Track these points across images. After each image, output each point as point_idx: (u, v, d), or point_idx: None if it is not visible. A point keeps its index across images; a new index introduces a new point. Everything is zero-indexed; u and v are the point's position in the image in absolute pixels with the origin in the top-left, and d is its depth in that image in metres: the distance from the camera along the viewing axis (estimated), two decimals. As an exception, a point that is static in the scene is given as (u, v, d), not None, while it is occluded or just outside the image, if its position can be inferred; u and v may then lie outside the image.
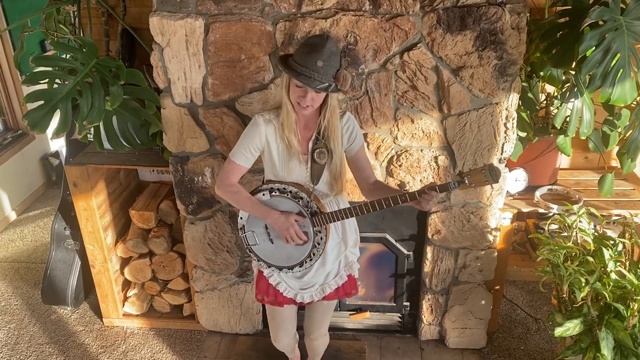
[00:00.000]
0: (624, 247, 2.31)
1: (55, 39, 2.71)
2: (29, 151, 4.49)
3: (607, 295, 2.10)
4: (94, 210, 2.82)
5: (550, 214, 2.84)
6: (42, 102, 2.23)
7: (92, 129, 2.48)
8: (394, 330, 3.01)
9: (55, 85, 2.38)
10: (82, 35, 2.77)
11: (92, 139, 2.60)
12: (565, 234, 2.43)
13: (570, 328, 2.16)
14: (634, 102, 2.34)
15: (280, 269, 2.10)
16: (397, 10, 2.18)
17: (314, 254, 2.03)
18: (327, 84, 1.79)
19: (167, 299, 3.10)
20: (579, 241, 2.37)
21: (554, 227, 2.94)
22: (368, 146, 2.43)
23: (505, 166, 2.49)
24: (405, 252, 2.75)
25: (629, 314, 2.09)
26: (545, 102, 2.68)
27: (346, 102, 2.35)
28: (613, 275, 2.18)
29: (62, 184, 3.13)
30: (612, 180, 2.60)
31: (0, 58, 4.18)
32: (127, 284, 3.18)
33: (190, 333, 3.10)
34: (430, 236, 2.64)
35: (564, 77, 2.45)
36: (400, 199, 1.85)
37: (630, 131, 2.41)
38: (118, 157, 2.76)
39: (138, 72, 2.35)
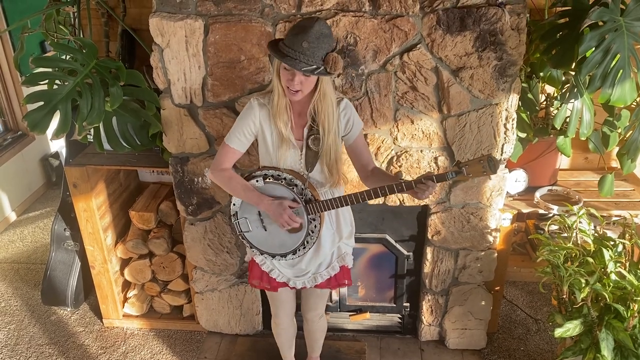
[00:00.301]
0: (624, 247, 2.31)
1: (55, 40, 2.71)
2: (29, 152, 4.50)
3: (607, 296, 2.09)
4: (94, 211, 2.82)
5: (550, 215, 2.84)
6: (42, 103, 2.23)
7: (92, 130, 2.48)
8: (394, 331, 3.01)
9: (55, 86, 2.38)
10: (82, 36, 2.77)
11: (92, 140, 2.60)
12: (565, 234, 2.43)
13: (571, 329, 2.16)
14: (634, 103, 2.34)
15: (273, 256, 2.10)
16: (396, 11, 2.18)
17: (307, 242, 2.02)
18: (314, 67, 1.75)
19: (167, 299, 3.10)
20: (579, 242, 2.37)
21: (554, 227, 2.94)
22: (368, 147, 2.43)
23: (505, 167, 2.49)
24: (405, 252, 2.75)
25: (629, 315, 2.08)
26: (545, 102, 2.68)
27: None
28: (613, 276, 2.17)
29: (62, 184, 3.13)
30: (612, 181, 2.59)
31: (0, 59, 4.18)
32: (127, 285, 3.18)
33: (190, 334, 3.09)
34: (430, 237, 2.64)
35: (563, 78, 2.45)
36: (396, 187, 1.84)
37: (630, 132, 2.40)
38: (118, 158, 2.76)
39: (138, 73, 2.35)
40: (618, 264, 2.20)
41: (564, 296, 2.29)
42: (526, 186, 2.77)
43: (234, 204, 2.08)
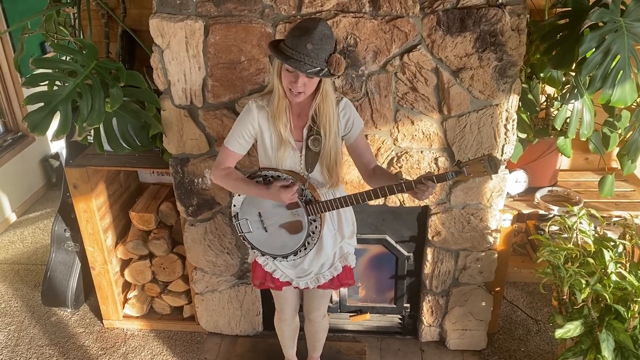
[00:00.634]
0: (625, 248, 2.31)
1: (55, 41, 2.71)
2: (29, 153, 4.49)
3: (607, 297, 2.09)
4: (94, 212, 2.82)
5: (551, 216, 2.84)
6: (42, 104, 2.23)
7: (92, 131, 2.48)
8: (394, 331, 3.01)
9: (55, 87, 2.39)
10: (82, 37, 2.77)
11: (92, 141, 2.60)
12: (566, 235, 2.42)
13: (571, 330, 2.16)
14: (634, 104, 2.34)
15: (274, 257, 2.10)
16: (397, 12, 2.18)
17: (308, 243, 2.02)
18: (318, 68, 1.75)
19: (167, 300, 3.10)
20: (579, 242, 2.37)
21: (554, 228, 2.94)
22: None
23: (506, 167, 2.49)
24: (406, 253, 2.74)
25: (629, 316, 2.08)
26: (545, 103, 2.68)
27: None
28: (613, 277, 2.17)
29: (62, 185, 3.13)
30: (613, 182, 2.59)
31: (0, 60, 4.18)
32: (127, 286, 3.18)
33: (191, 335, 3.09)
34: (430, 238, 2.64)
35: (564, 79, 2.45)
36: (396, 188, 1.84)
37: (631, 132, 2.40)
38: (118, 159, 2.76)
39: (138, 74, 2.35)
40: (618, 265, 2.20)
41: (565, 297, 2.29)
42: (526, 187, 2.77)
43: (234, 205, 2.08)
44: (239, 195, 2.05)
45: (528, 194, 2.77)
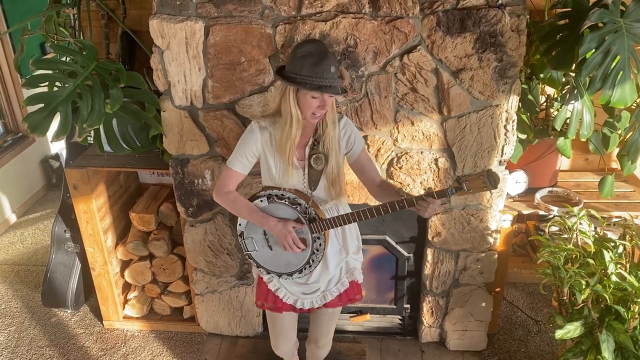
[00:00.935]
0: (625, 249, 2.31)
1: (55, 42, 2.71)
2: (29, 154, 4.50)
3: (607, 298, 2.09)
4: (94, 212, 2.82)
5: (551, 216, 2.84)
6: (42, 105, 2.23)
7: (92, 132, 2.48)
8: (394, 332, 3.01)
9: (56, 88, 2.39)
10: (82, 38, 2.78)
11: (92, 142, 2.60)
12: (566, 236, 2.42)
13: (571, 330, 2.16)
14: (634, 104, 2.34)
15: (279, 275, 2.10)
16: (396, 12, 2.18)
17: (312, 260, 2.02)
18: (342, 86, 1.82)
19: (168, 301, 3.10)
20: (579, 243, 2.36)
21: (554, 229, 2.94)
22: (368, 148, 2.43)
23: (506, 168, 2.49)
24: (406, 254, 2.75)
25: (629, 316, 2.08)
26: (545, 104, 2.68)
27: (346, 104, 2.35)
28: (613, 278, 2.17)
29: (62, 186, 3.14)
30: (613, 182, 2.59)
31: (1, 61, 4.19)
32: (127, 287, 3.18)
33: (191, 335, 3.09)
34: (430, 238, 2.64)
35: (564, 79, 2.45)
36: (398, 205, 1.85)
37: (631, 133, 2.40)
38: (118, 160, 2.76)
39: (138, 75, 2.35)
40: (618, 266, 2.20)
41: (565, 297, 2.29)
42: (526, 187, 2.77)
43: (240, 224, 2.08)
44: None
45: (528, 194, 2.77)
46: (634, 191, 2.88)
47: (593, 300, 2.22)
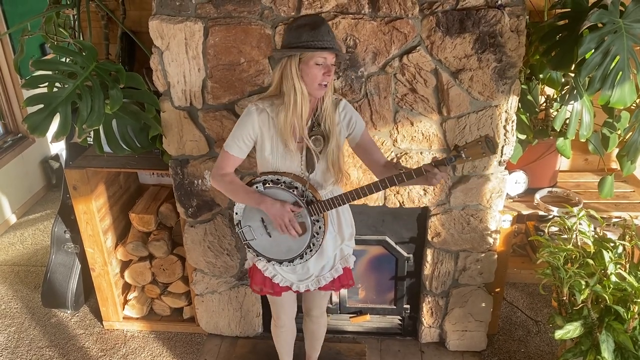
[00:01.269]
0: (624, 249, 2.31)
1: (55, 43, 2.72)
2: (29, 154, 4.50)
3: (607, 298, 2.09)
4: (94, 213, 2.82)
5: (550, 217, 2.84)
6: (42, 105, 2.23)
7: (91, 133, 2.48)
8: (394, 332, 3.01)
9: (55, 89, 2.39)
10: (81, 38, 2.78)
11: (92, 142, 2.60)
12: (565, 236, 2.42)
13: (571, 330, 2.16)
14: (634, 104, 2.34)
15: (280, 262, 2.09)
16: (396, 13, 2.18)
17: (313, 244, 2.01)
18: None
19: (167, 302, 3.10)
20: (579, 243, 2.37)
21: (554, 229, 2.94)
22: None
23: (505, 169, 2.49)
24: (405, 254, 2.75)
25: (629, 317, 2.08)
26: (544, 104, 2.68)
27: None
28: (613, 278, 2.17)
29: (62, 187, 3.14)
30: (612, 183, 2.59)
31: (1, 61, 4.19)
32: (127, 287, 3.18)
33: (191, 336, 3.09)
34: (430, 239, 2.64)
35: (563, 80, 2.46)
36: (396, 179, 1.83)
37: (630, 133, 2.40)
38: (118, 160, 2.76)
39: (138, 76, 2.35)
40: (618, 266, 2.20)
41: (564, 298, 2.29)
42: (526, 188, 2.77)
43: (236, 213, 2.06)
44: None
45: (528, 195, 2.77)
46: (633, 191, 2.88)
47: (593, 300, 2.22)
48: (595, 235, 2.43)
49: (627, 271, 2.20)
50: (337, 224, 2.12)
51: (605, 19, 2.08)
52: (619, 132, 2.54)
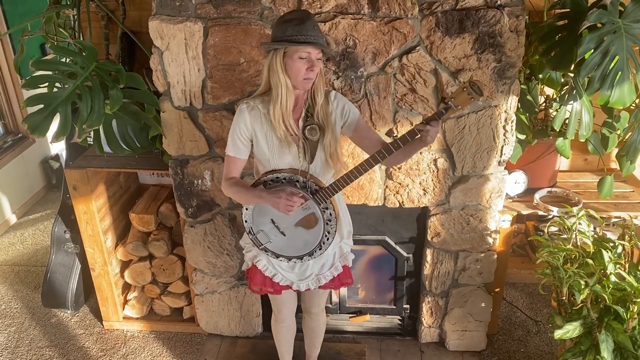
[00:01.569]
0: (624, 249, 2.31)
1: (55, 43, 2.72)
2: (29, 154, 4.50)
3: (606, 298, 2.09)
4: (94, 213, 2.83)
5: (550, 217, 2.84)
6: (42, 105, 2.24)
7: (91, 133, 2.48)
8: (394, 332, 3.01)
9: (55, 89, 2.40)
10: (81, 39, 2.78)
11: (92, 143, 2.60)
12: (565, 236, 2.43)
13: (570, 330, 2.16)
14: (633, 104, 2.34)
15: (300, 258, 2.08)
16: (395, 13, 2.18)
17: (328, 232, 2.01)
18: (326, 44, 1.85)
19: (167, 302, 3.10)
20: (578, 243, 2.37)
21: (553, 229, 2.94)
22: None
23: (505, 169, 2.49)
24: (405, 254, 2.75)
25: (628, 317, 2.08)
26: (544, 104, 2.69)
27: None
28: (613, 278, 2.17)
29: (62, 187, 3.14)
30: (612, 183, 2.60)
31: (1, 61, 4.19)
32: (127, 287, 3.18)
33: (191, 336, 3.10)
34: (429, 239, 2.64)
35: (562, 80, 2.46)
36: (392, 147, 1.83)
37: (630, 133, 2.41)
38: (118, 161, 2.76)
39: (138, 76, 2.36)
40: (617, 266, 2.20)
41: (564, 298, 2.29)
42: (525, 188, 2.77)
43: (245, 221, 2.07)
44: (246, 209, 2.05)
45: (527, 194, 2.77)
46: (633, 191, 2.88)
47: (592, 300, 2.22)
48: (595, 235, 2.43)
49: (627, 271, 2.21)
50: None
51: (604, 19, 2.08)
52: (618, 132, 2.54)
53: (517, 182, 2.76)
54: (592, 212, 2.43)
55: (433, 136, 1.81)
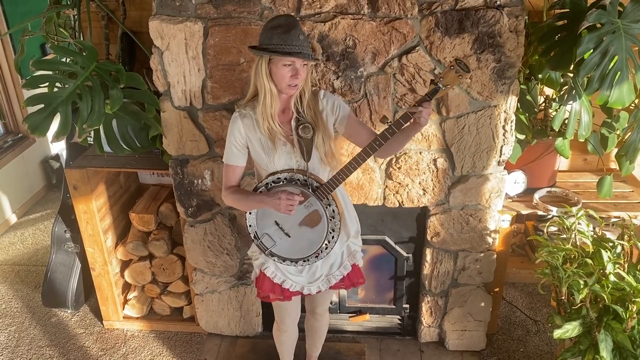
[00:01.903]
0: (623, 249, 2.31)
1: (56, 43, 2.72)
2: (30, 154, 4.51)
3: (605, 297, 2.10)
4: (94, 213, 2.83)
5: (549, 216, 2.84)
6: (42, 105, 2.24)
7: (92, 132, 2.49)
8: (393, 332, 3.01)
9: (56, 89, 2.40)
10: (82, 38, 2.78)
11: (92, 142, 2.61)
12: (564, 236, 2.43)
13: (569, 330, 2.16)
14: (632, 104, 2.35)
15: (306, 260, 2.08)
16: (395, 13, 2.19)
17: (333, 229, 2.01)
18: (312, 54, 1.85)
19: (167, 301, 3.11)
20: (577, 243, 2.37)
21: (552, 229, 2.94)
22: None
23: (504, 168, 2.49)
24: (405, 254, 2.75)
25: (627, 316, 2.09)
26: (543, 104, 2.69)
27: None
28: (612, 277, 2.18)
29: (63, 186, 3.14)
30: (611, 182, 2.60)
31: (1, 61, 4.20)
32: (127, 287, 3.18)
33: (190, 335, 3.10)
34: (429, 238, 2.64)
35: (562, 80, 2.46)
36: (388, 133, 1.84)
37: (629, 133, 2.41)
38: (118, 160, 2.77)
39: (138, 76, 2.36)
40: (617, 265, 2.20)
41: (563, 297, 2.30)
42: (525, 188, 2.78)
43: (250, 226, 2.07)
44: (250, 213, 2.06)
45: (527, 194, 2.78)
46: (632, 191, 2.88)
47: (591, 300, 2.22)
48: (594, 235, 2.44)
49: (626, 271, 2.21)
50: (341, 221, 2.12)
51: (603, 19, 2.08)
52: (617, 132, 2.54)
53: (516, 182, 2.76)
54: (591, 212, 2.43)
55: (426, 117, 1.83)
